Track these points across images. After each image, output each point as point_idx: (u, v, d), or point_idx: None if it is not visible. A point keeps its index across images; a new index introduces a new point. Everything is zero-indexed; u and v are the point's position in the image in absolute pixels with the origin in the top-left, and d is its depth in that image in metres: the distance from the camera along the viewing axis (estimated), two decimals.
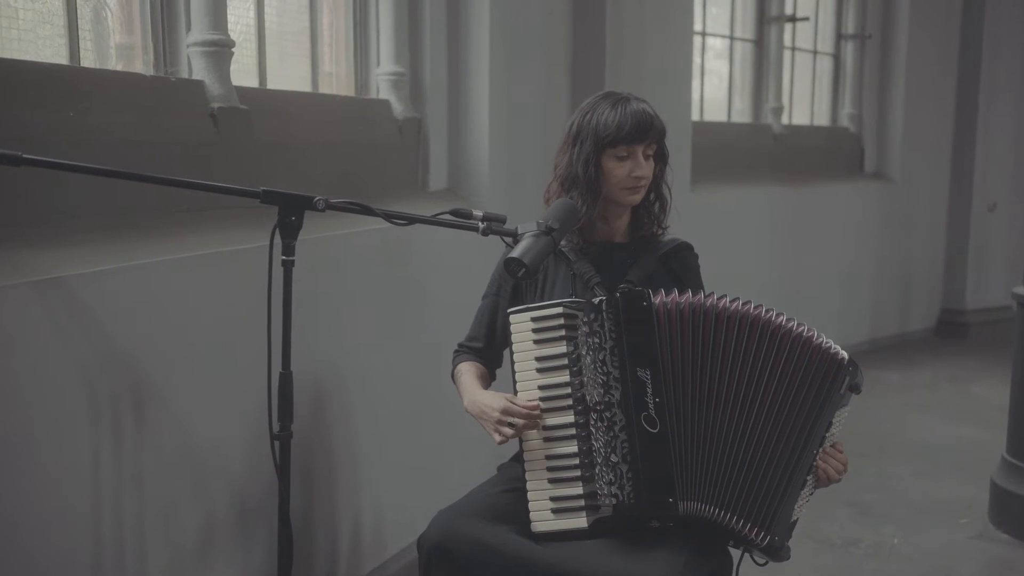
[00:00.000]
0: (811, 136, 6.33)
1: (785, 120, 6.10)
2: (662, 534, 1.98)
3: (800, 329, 1.97)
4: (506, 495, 2.11)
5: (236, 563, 2.45)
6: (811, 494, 2.04)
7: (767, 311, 1.98)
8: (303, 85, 3.20)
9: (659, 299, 1.98)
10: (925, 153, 6.78)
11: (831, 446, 2.02)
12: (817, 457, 1.98)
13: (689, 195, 4.90)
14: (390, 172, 3.41)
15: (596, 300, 1.98)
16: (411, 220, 1.98)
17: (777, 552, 1.98)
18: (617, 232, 2.27)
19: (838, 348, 1.99)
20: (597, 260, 2.24)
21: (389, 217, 1.95)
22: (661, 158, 2.24)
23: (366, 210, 1.94)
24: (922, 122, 6.69)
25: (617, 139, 2.14)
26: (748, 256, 5.46)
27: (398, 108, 3.46)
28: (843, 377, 1.98)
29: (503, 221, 2.01)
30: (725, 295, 2.01)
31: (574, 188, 2.18)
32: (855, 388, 2.00)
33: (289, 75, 3.20)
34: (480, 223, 1.99)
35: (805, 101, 6.45)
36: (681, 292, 2.00)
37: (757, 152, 5.84)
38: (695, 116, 5.28)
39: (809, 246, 5.96)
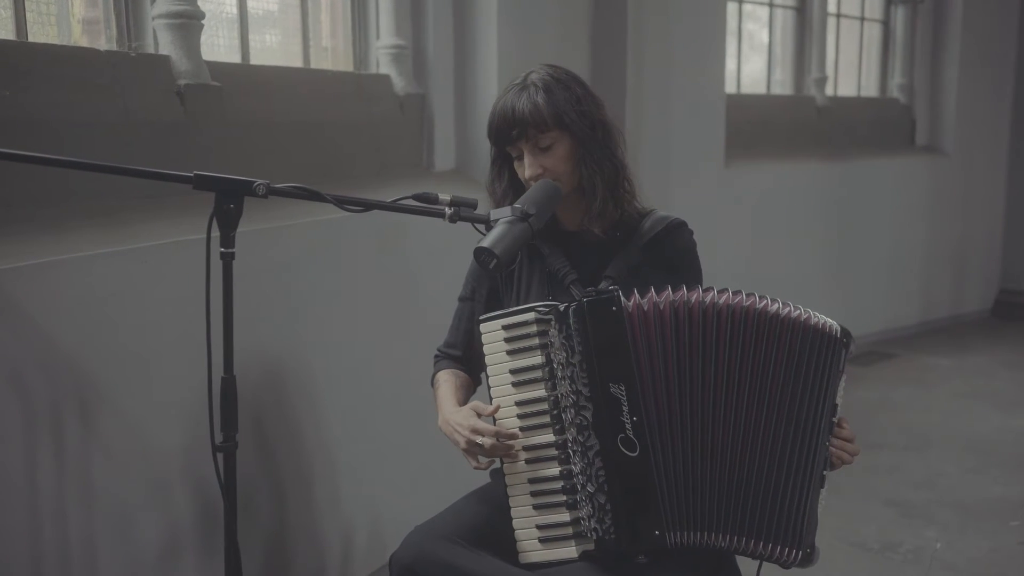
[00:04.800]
0: (858, 108, 6.03)
1: (829, 91, 5.82)
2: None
3: (796, 313, 1.75)
4: (487, 512, 1.90)
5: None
6: (823, 487, 1.81)
7: (760, 299, 1.74)
8: (299, 61, 3.01)
9: (633, 300, 1.71)
10: (981, 125, 6.42)
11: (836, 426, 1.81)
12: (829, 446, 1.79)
13: (723, 172, 4.66)
14: (391, 152, 3.23)
15: (562, 307, 1.73)
16: (367, 206, 1.77)
17: (809, 560, 1.77)
18: (578, 222, 1.97)
19: (829, 321, 1.78)
20: (573, 252, 1.96)
21: (341, 203, 1.74)
22: (578, 138, 1.88)
23: (314, 195, 1.73)
24: (978, 92, 6.33)
25: (493, 142, 1.93)
26: (788, 236, 5.23)
27: (399, 83, 3.27)
28: (840, 352, 1.77)
29: (473, 206, 1.79)
30: (712, 288, 1.75)
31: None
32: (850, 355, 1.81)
33: (290, 51, 3.03)
34: (447, 208, 1.78)
35: (852, 71, 6.14)
36: (672, 281, 1.75)
37: (799, 126, 5.58)
38: (731, 88, 5.02)
39: (856, 225, 5.69)
